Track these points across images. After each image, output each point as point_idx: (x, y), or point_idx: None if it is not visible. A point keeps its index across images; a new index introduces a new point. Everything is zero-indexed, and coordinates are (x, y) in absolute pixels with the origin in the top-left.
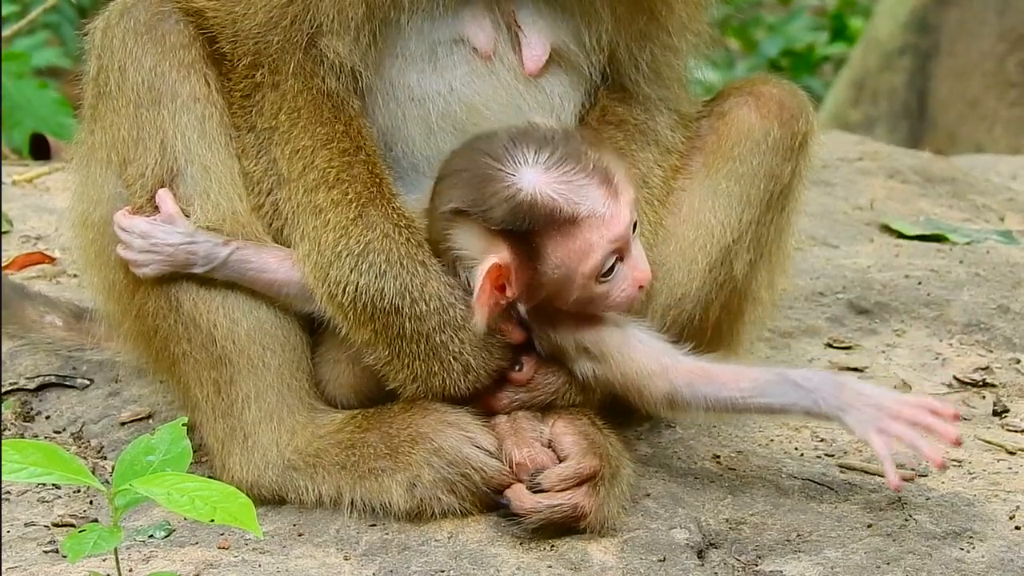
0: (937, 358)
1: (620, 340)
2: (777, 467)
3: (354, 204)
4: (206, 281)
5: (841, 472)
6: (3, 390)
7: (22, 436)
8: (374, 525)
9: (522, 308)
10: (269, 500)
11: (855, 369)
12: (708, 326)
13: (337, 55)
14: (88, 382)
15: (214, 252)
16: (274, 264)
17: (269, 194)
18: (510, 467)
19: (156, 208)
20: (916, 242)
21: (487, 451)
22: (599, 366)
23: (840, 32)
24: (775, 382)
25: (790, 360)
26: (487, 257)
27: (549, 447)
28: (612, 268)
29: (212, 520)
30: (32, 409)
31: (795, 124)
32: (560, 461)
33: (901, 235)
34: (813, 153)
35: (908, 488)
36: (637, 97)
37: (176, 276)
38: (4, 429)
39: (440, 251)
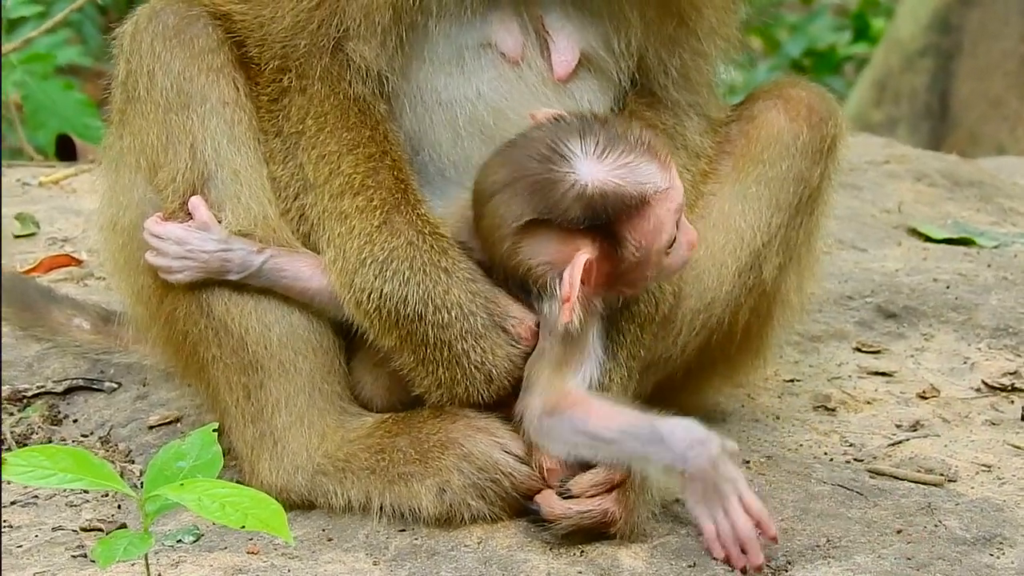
0: (966, 362)
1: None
2: (807, 472)
3: (379, 211)
4: (238, 286)
5: (871, 477)
6: (31, 394)
7: (49, 440)
8: (403, 530)
9: (598, 302)
10: (298, 505)
11: (884, 373)
12: (737, 330)
13: (363, 59)
14: (116, 385)
15: (249, 260)
16: (307, 272)
17: (296, 199)
18: (540, 473)
19: (188, 214)
20: (944, 246)
21: (517, 456)
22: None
23: (862, 32)
24: (643, 435)
25: (819, 364)
26: (578, 255)
27: None
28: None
29: (243, 527)
30: (60, 412)
31: (824, 127)
32: (591, 467)
33: (929, 239)
34: (842, 156)
35: (937, 493)
36: (666, 102)
37: (207, 282)
38: (32, 434)
39: (506, 269)
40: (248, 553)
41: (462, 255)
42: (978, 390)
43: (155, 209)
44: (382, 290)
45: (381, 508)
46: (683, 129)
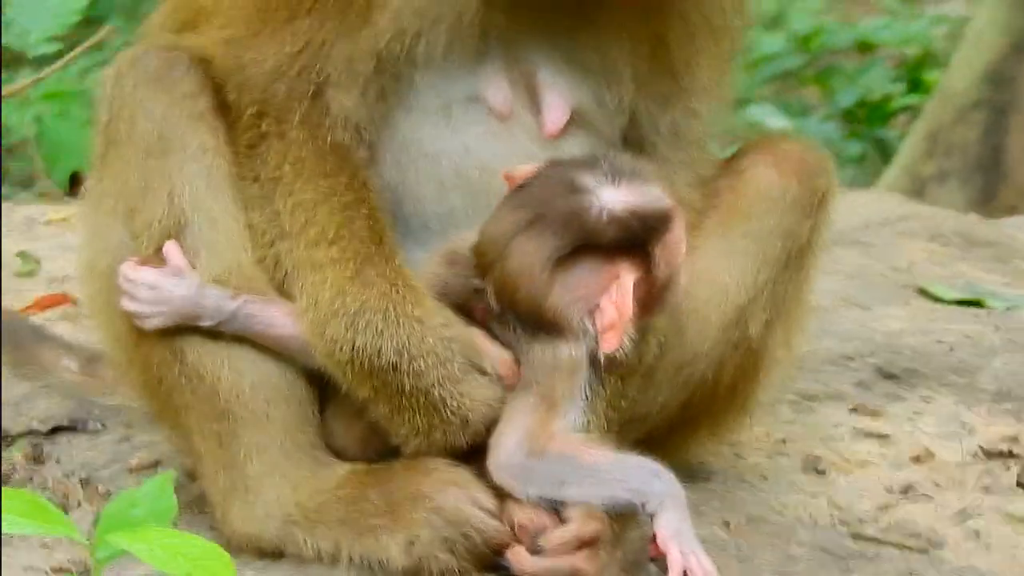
0: (964, 427)
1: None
2: (788, 534)
3: (352, 262)
4: (211, 333)
5: (854, 542)
6: (15, 433)
7: (31, 480)
8: None
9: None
10: (269, 554)
11: (879, 435)
12: (722, 387)
13: (343, 108)
14: (101, 427)
15: (222, 306)
16: (280, 320)
17: (272, 246)
18: (511, 528)
19: (163, 259)
20: (952, 307)
21: (488, 511)
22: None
23: (917, 83)
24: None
25: (813, 424)
26: (623, 277)
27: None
28: None
29: None
30: (43, 453)
31: (814, 181)
32: (562, 523)
33: (938, 299)
34: (832, 211)
35: (920, 559)
36: (654, 159)
37: (181, 328)
38: (14, 473)
39: (530, 313)
40: None
41: (436, 303)
42: (974, 455)
43: (132, 254)
44: (354, 342)
45: (351, 559)
46: (670, 183)
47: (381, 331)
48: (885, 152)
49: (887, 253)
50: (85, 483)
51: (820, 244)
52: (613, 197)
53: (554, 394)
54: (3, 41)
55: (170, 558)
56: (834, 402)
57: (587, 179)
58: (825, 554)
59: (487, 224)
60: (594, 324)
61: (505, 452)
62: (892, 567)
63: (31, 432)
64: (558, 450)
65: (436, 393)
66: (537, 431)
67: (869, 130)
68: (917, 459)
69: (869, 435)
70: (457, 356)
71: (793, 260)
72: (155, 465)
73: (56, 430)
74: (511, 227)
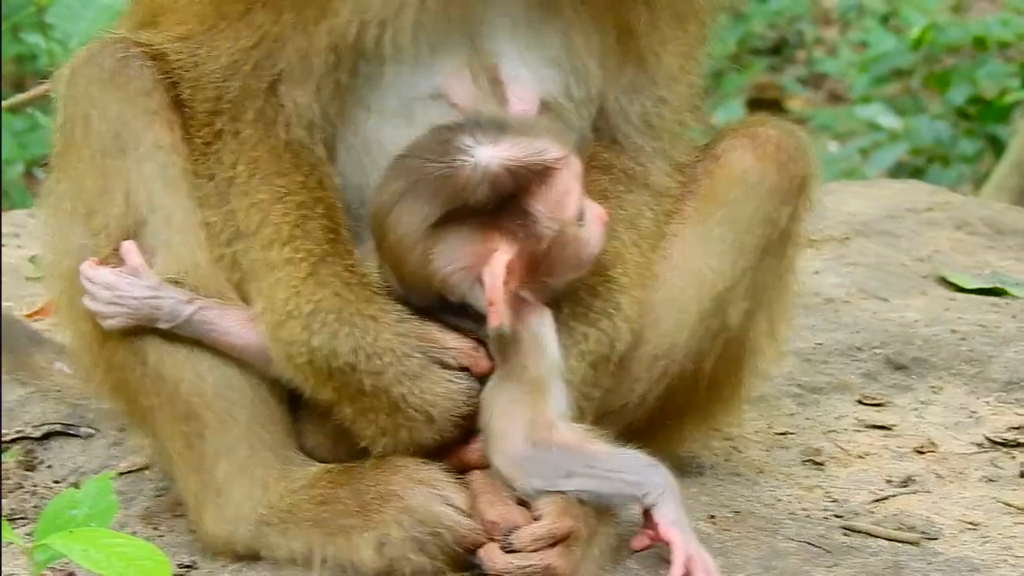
0: (971, 416)
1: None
2: (775, 528)
3: (305, 263)
4: (172, 335)
5: (844, 535)
6: (8, 438)
7: (21, 486)
8: None
9: (528, 294)
10: (244, 556)
11: (883, 427)
12: (704, 378)
13: (296, 105)
14: (93, 431)
15: (178, 310)
16: (236, 327)
17: (229, 245)
18: (483, 526)
19: (122, 259)
20: (971, 296)
21: (459, 509)
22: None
23: None
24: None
25: (816, 416)
26: (496, 255)
27: (525, 505)
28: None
29: None
30: (36, 458)
31: (793, 166)
32: (535, 520)
33: (959, 288)
34: (814, 196)
35: (911, 552)
36: (628, 148)
37: (143, 329)
38: (5, 478)
39: (420, 285)
40: None
41: (390, 301)
42: (980, 445)
43: (92, 254)
44: (310, 343)
45: (323, 561)
46: (644, 170)
47: (336, 331)
48: (999, 150)
49: (911, 243)
50: (76, 488)
51: (801, 232)
52: (487, 154)
53: (537, 376)
54: (45, 47)
55: (106, 560)
56: (839, 394)
57: (464, 140)
58: (812, 548)
59: (372, 200)
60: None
61: (512, 444)
62: (879, 560)
63: (24, 437)
64: (562, 441)
65: (396, 391)
66: (538, 420)
67: (982, 127)
68: (920, 450)
69: (873, 426)
70: (415, 352)
71: (773, 247)
72: (144, 469)
73: (49, 435)
74: (387, 200)
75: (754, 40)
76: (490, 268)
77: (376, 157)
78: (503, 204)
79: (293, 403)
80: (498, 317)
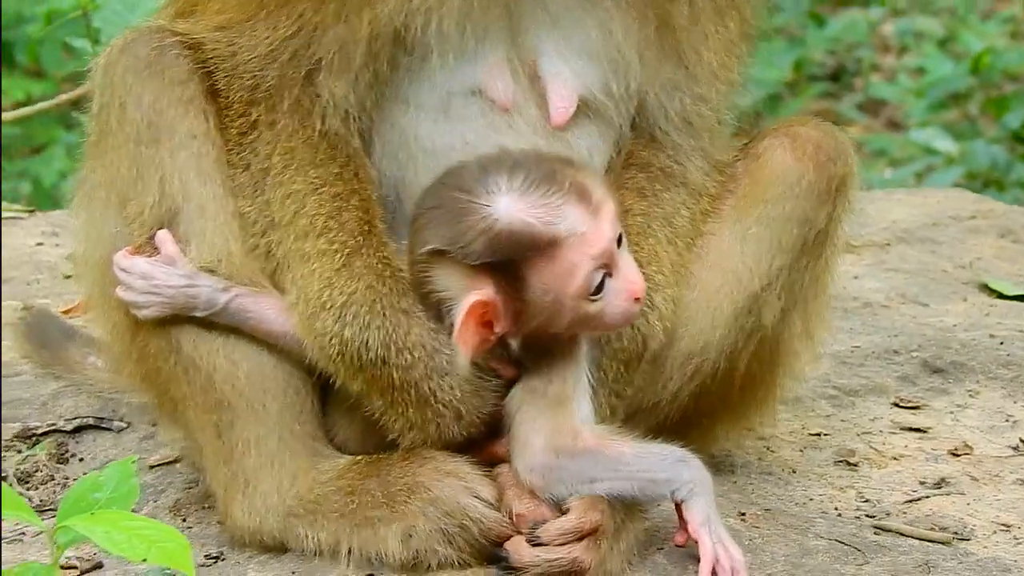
0: (1007, 420)
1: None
2: (805, 526)
3: (339, 254)
4: (206, 323)
5: (875, 534)
6: (40, 431)
7: (52, 478)
8: (371, 575)
9: (514, 343)
10: (271, 547)
11: (918, 429)
12: (737, 377)
13: (333, 95)
14: (125, 425)
15: (214, 297)
16: (272, 315)
17: (264, 235)
18: (510, 519)
19: (156, 248)
20: (1012, 303)
21: (486, 502)
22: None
23: None
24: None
25: (851, 418)
26: (468, 295)
27: None
28: (601, 285)
29: (144, 560)
30: (68, 451)
31: (832, 167)
32: (562, 514)
33: (1000, 295)
34: (854, 197)
35: (942, 551)
36: (666, 146)
37: (177, 318)
38: (36, 471)
39: (423, 295)
40: None
41: None
42: (1015, 448)
43: (126, 244)
44: (342, 335)
45: (350, 552)
46: (682, 168)
47: (368, 323)
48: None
49: (953, 250)
50: None
51: (839, 232)
52: (507, 207)
53: (561, 391)
54: (92, 50)
55: (127, 542)
56: (875, 396)
57: (499, 181)
58: (843, 546)
59: (417, 200)
60: None
61: (532, 454)
62: (910, 559)
63: (56, 430)
64: (584, 447)
65: (425, 386)
66: (561, 428)
67: None
68: (954, 452)
69: (908, 429)
70: (445, 347)
71: (810, 247)
72: (174, 462)
73: (81, 429)
74: (416, 208)
75: (812, 67)
76: (459, 306)
77: (413, 151)
78: (494, 262)
79: (323, 396)
80: (461, 355)
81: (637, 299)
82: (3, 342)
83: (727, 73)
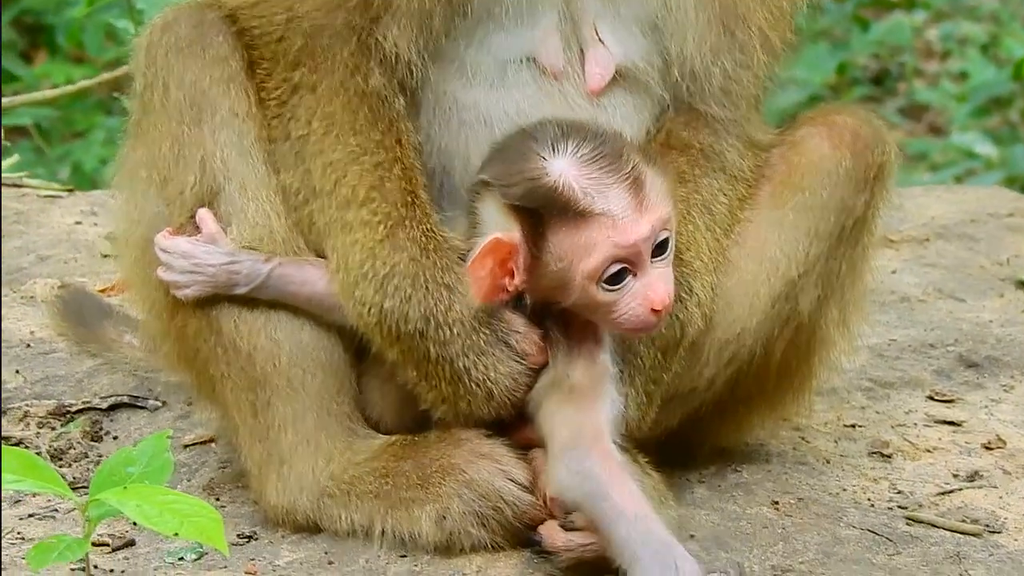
0: None
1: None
2: (838, 516)
3: (383, 225)
4: (248, 303)
5: (907, 524)
6: (75, 409)
7: (86, 455)
8: (404, 556)
9: (528, 300)
10: (304, 527)
11: (952, 423)
12: (773, 364)
13: (394, 44)
14: (160, 404)
15: (256, 270)
16: (314, 276)
17: (306, 205)
18: (544, 503)
19: (197, 228)
20: None
21: (521, 485)
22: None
23: None
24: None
25: (887, 411)
26: (491, 236)
27: None
28: (620, 278)
29: (176, 533)
30: (102, 429)
31: (869, 155)
32: None
33: None
34: (891, 185)
35: (973, 543)
36: (706, 118)
37: (216, 298)
38: (70, 448)
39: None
40: (246, 573)
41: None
42: None
43: (167, 224)
44: (382, 305)
45: (383, 533)
46: (721, 149)
47: (409, 296)
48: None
49: (991, 247)
50: None
51: (877, 221)
52: (563, 168)
53: (579, 384)
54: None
55: (159, 515)
56: (910, 389)
57: (568, 142)
58: (874, 536)
59: None
60: None
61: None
62: (941, 550)
63: (91, 408)
64: (597, 468)
65: (461, 363)
66: (585, 427)
67: None
68: (988, 446)
69: (942, 422)
70: (484, 327)
71: (848, 235)
72: (209, 441)
73: (116, 407)
74: (493, 144)
75: (854, 70)
76: (482, 240)
77: (465, 118)
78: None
79: (358, 373)
80: (472, 290)
81: (656, 311)
82: (40, 319)
83: (770, 44)
